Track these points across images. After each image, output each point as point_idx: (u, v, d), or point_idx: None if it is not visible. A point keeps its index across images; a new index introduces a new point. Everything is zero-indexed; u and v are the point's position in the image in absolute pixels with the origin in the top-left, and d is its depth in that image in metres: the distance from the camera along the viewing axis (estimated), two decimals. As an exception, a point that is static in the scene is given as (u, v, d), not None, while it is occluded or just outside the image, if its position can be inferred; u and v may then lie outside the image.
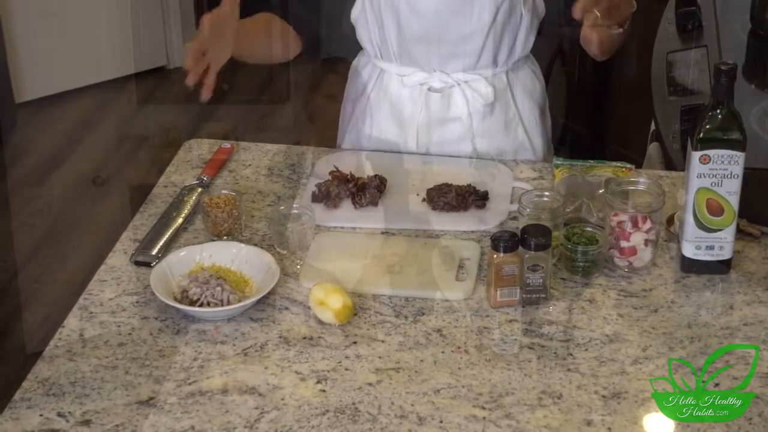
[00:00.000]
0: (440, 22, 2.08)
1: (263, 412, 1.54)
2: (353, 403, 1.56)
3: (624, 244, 1.83)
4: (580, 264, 1.81)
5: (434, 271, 1.83)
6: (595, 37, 1.96)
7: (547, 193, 1.90)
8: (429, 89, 2.15)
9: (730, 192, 1.77)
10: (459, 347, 1.67)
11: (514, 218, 1.96)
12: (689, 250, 1.82)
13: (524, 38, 2.16)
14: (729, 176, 1.76)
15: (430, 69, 2.15)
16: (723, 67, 1.73)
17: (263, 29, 2.20)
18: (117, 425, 1.52)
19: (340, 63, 2.40)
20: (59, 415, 1.54)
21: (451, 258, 1.86)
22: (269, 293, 1.76)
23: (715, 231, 1.80)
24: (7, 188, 4.11)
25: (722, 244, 1.81)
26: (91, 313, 1.74)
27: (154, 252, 1.89)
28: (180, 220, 1.97)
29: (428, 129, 2.19)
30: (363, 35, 2.20)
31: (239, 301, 1.74)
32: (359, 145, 2.27)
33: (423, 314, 1.74)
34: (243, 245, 1.86)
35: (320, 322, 1.72)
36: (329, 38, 2.26)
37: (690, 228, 1.80)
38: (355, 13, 2.17)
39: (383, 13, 2.12)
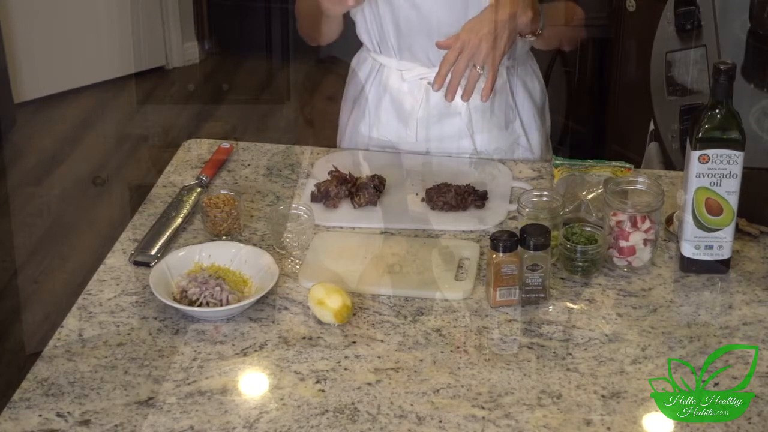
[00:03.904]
0: (438, 14, 2.07)
1: (262, 412, 1.54)
2: (352, 403, 1.56)
3: (623, 243, 1.83)
4: (580, 264, 1.81)
5: (433, 271, 1.83)
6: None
7: (546, 193, 1.90)
8: (428, 83, 2.14)
9: (729, 191, 1.77)
10: (458, 347, 1.67)
11: (514, 218, 1.96)
12: (688, 250, 1.82)
13: None
14: (728, 176, 1.76)
15: (430, 63, 2.15)
16: (722, 67, 1.73)
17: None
18: (116, 425, 1.52)
19: (337, 63, 2.40)
20: (58, 415, 1.54)
21: (451, 258, 1.86)
22: (268, 293, 1.76)
23: (714, 230, 1.80)
24: (7, 188, 4.11)
25: (721, 243, 1.81)
26: (90, 313, 1.74)
27: (153, 252, 1.88)
28: (179, 220, 1.97)
29: (428, 123, 2.19)
30: (361, 30, 2.20)
31: (238, 301, 1.74)
32: (359, 141, 2.26)
33: (422, 314, 1.74)
34: (242, 245, 1.86)
35: (319, 322, 1.72)
36: None
37: (689, 227, 1.80)
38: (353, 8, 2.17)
39: (381, 7, 2.12)
